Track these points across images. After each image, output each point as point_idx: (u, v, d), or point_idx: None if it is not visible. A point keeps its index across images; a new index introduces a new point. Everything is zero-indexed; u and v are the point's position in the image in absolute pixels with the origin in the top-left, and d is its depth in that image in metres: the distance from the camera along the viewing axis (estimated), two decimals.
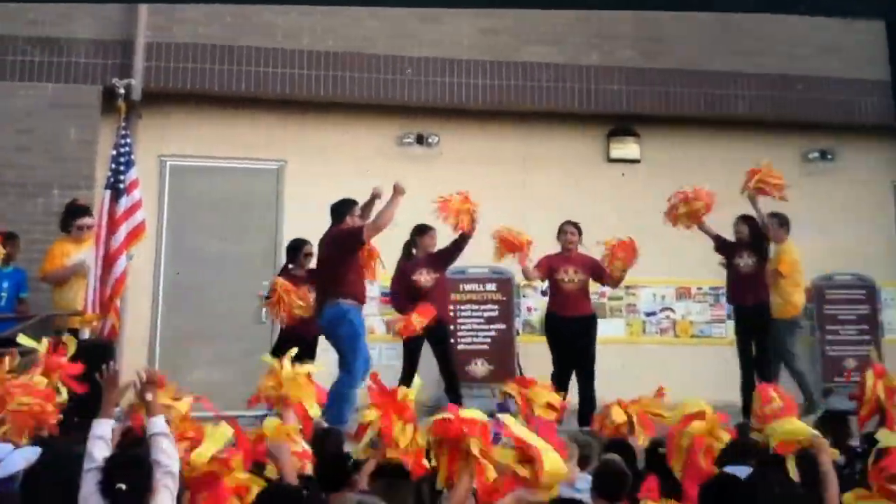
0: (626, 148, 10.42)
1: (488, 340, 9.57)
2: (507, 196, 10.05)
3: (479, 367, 9.42)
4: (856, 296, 10.34)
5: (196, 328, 9.42)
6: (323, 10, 9.73)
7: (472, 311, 9.60)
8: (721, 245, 8.61)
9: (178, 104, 9.71)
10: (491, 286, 9.68)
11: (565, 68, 10.10)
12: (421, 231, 8.36)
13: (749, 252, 8.42)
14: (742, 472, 4.03)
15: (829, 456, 4.17)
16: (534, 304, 10.09)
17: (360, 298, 7.45)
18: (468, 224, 7.93)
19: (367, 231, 7.32)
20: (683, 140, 10.51)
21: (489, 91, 9.94)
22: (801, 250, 9.90)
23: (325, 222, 9.27)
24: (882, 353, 10.12)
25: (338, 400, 6.75)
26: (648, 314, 10.14)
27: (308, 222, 9.53)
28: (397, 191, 7.35)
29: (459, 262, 9.40)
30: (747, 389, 7.75)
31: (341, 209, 7.68)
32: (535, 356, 9.66)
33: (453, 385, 8.20)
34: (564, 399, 6.86)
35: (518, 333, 9.79)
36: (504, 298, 9.70)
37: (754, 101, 10.34)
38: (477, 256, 9.42)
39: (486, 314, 9.62)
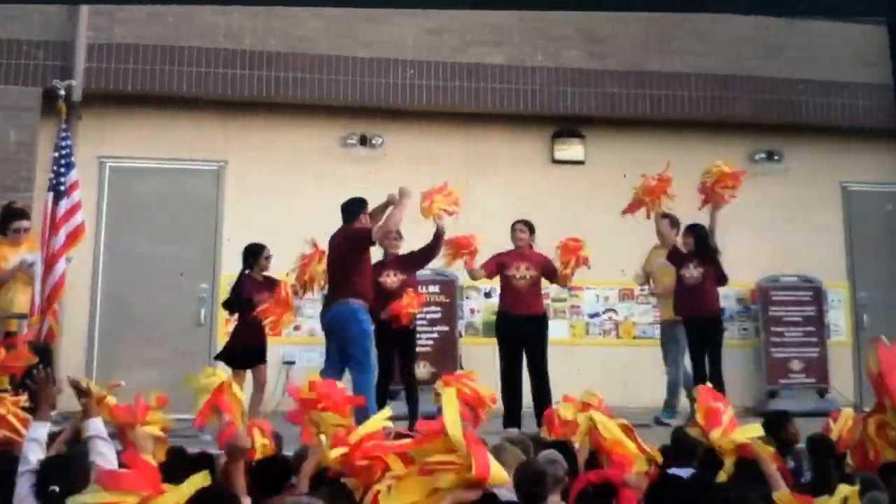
0: (571, 149, 10.87)
1: (431, 342, 9.93)
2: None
3: (422, 370, 9.75)
4: (802, 297, 10.78)
5: (134, 330, 9.76)
6: (265, 10, 10.13)
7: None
8: (671, 254, 8.92)
9: (119, 105, 10.10)
10: (434, 288, 10.06)
11: (510, 69, 10.54)
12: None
13: (695, 263, 8.67)
14: (685, 474, 4.42)
15: (769, 459, 4.33)
16: (477, 305, 10.51)
17: (368, 298, 7.75)
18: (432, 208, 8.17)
19: (376, 233, 7.70)
20: (628, 141, 10.95)
21: (433, 92, 10.37)
22: (748, 252, 10.42)
23: (266, 223, 9.75)
24: (828, 354, 10.65)
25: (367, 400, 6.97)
26: (592, 315, 10.53)
27: (248, 223, 9.97)
28: (404, 194, 7.73)
29: None
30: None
31: (353, 208, 7.98)
32: (478, 358, 10.09)
33: (412, 391, 8.33)
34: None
35: (461, 335, 10.16)
36: (447, 300, 10.09)
37: (698, 101, 10.78)
38: None
39: (428, 316, 9.96)
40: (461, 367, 9.83)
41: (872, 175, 11.40)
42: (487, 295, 10.51)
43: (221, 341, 9.81)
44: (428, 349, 9.88)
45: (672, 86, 10.78)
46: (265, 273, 8.43)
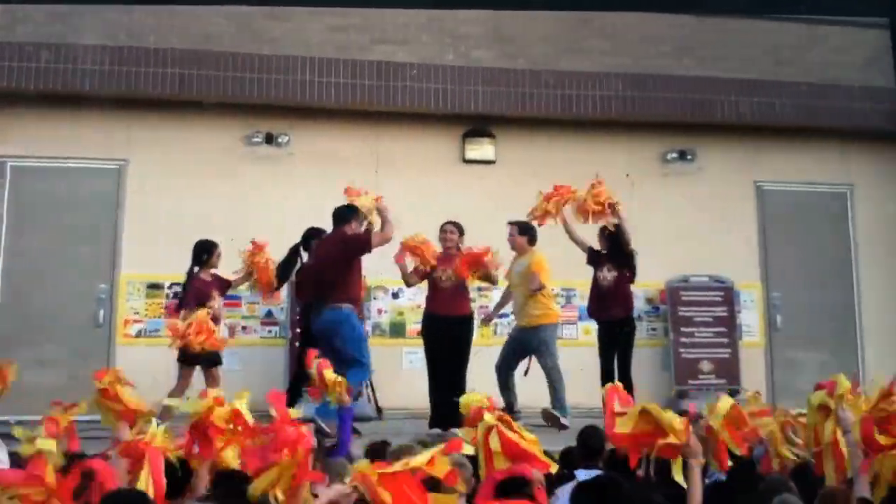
0: (482, 149, 11.35)
1: None
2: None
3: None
4: (713, 298, 11.29)
5: (33, 330, 10.11)
6: (169, 7, 10.50)
7: None
8: (589, 256, 9.41)
9: (20, 104, 10.46)
10: None
11: (420, 68, 10.99)
12: (318, 233, 9.11)
13: (609, 266, 9.17)
14: (592, 475, 4.75)
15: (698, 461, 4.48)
16: (384, 306, 10.97)
17: (358, 302, 8.37)
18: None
19: (374, 240, 8.17)
20: (539, 141, 11.46)
21: (341, 90, 10.80)
22: (658, 251, 10.93)
23: (167, 223, 10.18)
24: (739, 354, 11.16)
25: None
26: (500, 316, 10.95)
27: (149, 223, 10.38)
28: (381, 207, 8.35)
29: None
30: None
31: (346, 215, 8.41)
32: (385, 359, 10.56)
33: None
34: None
35: (367, 336, 10.53)
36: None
37: (610, 101, 11.27)
38: None
39: None
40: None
41: (787, 174, 11.97)
42: (395, 296, 10.99)
43: (121, 342, 10.26)
44: None
45: (583, 85, 11.27)
46: (214, 271, 8.90)
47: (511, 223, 9.19)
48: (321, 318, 8.10)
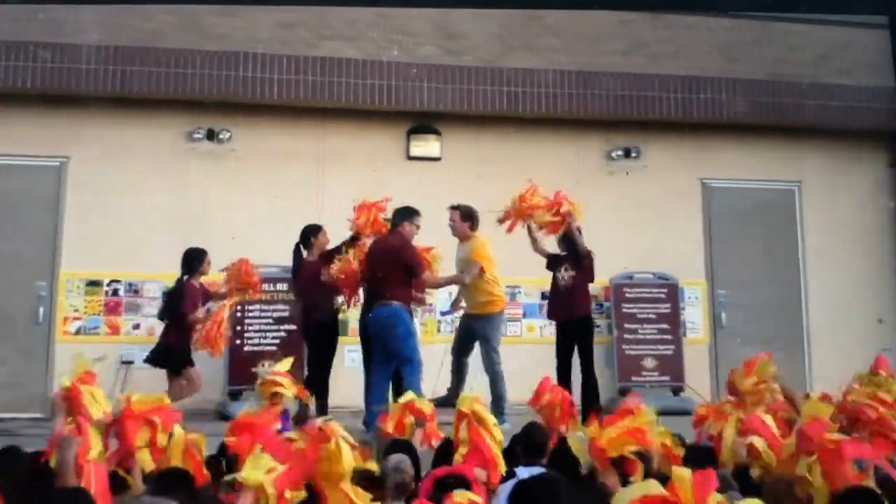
0: (427, 146, 11.56)
1: (277, 341, 10.54)
2: (303, 194, 11.22)
3: (266, 370, 10.36)
4: (657, 295, 11.54)
5: None
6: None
7: (262, 311, 10.58)
8: (548, 261, 9.67)
9: None
10: (282, 286, 10.67)
11: (365, 64, 11.18)
12: (316, 230, 9.48)
13: (567, 266, 9.41)
14: (535, 472, 4.83)
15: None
16: None
17: (409, 301, 8.85)
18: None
19: (423, 278, 8.85)
20: (486, 138, 11.70)
21: (285, 86, 10.99)
22: (603, 248, 11.18)
23: (108, 220, 10.40)
24: (683, 352, 11.42)
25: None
26: (444, 313, 11.19)
27: (89, 220, 10.59)
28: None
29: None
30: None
31: (407, 214, 9.00)
32: None
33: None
34: None
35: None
36: (294, 298, 10.68)
37: (556, 98, 11.48)
38: (270, 254, 10.54)
39: (275, 314, 10.59)
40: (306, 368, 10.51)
41: (734, 171, 12.22)
42: (338, 292, 11.16)
43: (60, 340, 10.48)
44: (273, 348, 10.50)
45: (530, 82, 11.48)
46: (202, 280, 9.26)
47: (453, 208, 9.40)
48: (374, 315, 8.68)
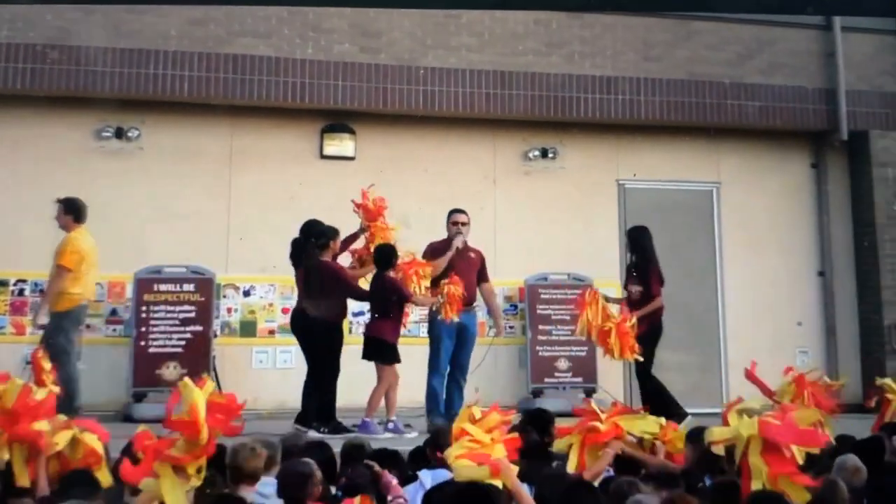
0: (341, 144, 11.94)
1: (183, 343, 10.91)
2: (213, 192, 11.62)
3: (171, 371, 10.75)
4: (571, 296, 11.91)
5: None
6: None
7: (167, 311, 10.93)
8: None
9: None
10: (189, 286, 11.03)
11: (278, 61, 11.52)
12: (335, 234, 9.50)
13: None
14: (442, 476, 5.23)
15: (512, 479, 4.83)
16: (234, 304, 11.56)
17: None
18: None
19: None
20: (402, 137, 12.12)
21: (195, 83, 11.31)
22: (518, 249, 11.66)
23: (12, 220, 10.66)
24: (596, 353, 11.86)
25: None
26: (357, 314, 11.54)
27: None
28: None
29: (155, 261, 10.88)
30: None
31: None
32: (234, 359, 11.22)
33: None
34: None
35: (216, 335, 11.16)
36: (203, 299, 11.05)
37: (473, 97, 11.90)
38: (174, 255, 10.92)
39: (181, 315, 10.95)
40: (214, 369, 10.89)
41: (652, 172, 12.72)
42: (246, 294, 11.59)
43: None
44: (179, 350, 10.87)
45: (446, 82, 11.88)
46: None
47: (58, 200, 9.63)
48: (471, 324, 9.68)
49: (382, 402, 9.22)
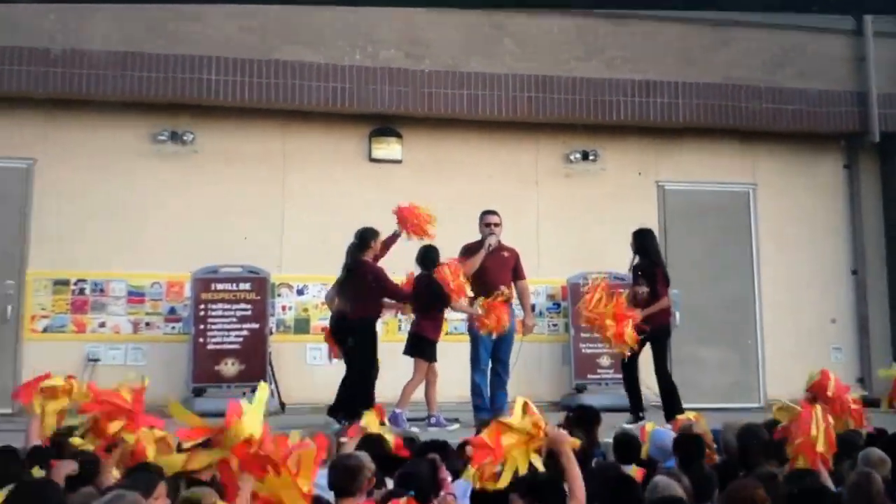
0: (389, 148, 12.53)
1: (240, 340, 11.48)
2: (266, 194, 12.19)
3: (229, 367, 11.34)
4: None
5: None
6: (87, 10, 11.50)
7: (224, 310, 11.50)
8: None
9: None
10: (245, 285, 11.60)
11: (327, 67, 12.09)
12: (376, 234, 9.95)
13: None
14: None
15: (569, 446, 5.01)
16: (288, 303, 12.13)
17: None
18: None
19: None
20: (446, 140, 12.68)
21: (248, 88, 11.86)
22: (561, 249, 12.21)
23: (75, 220, 11.31)
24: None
25: None
26: None
27: (57, 221, 11.53)
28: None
29: (211, 260, 11.48)
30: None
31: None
32: (288, 355, 11.79)
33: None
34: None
35: (271, 332, 11.73)
36: (258, 297, 11.63)
37: (515, 101, 12.45)
38: (232, 254, 11.50)
39: (238, 313, 11.53)
40: (270, 365, 11.47)
41: (690, 174, 13.29)
42: (300, 292, 12.18)
43: (28, 337, 11.39)
44: (236, 346, 11.44)
45: (490, 86, 12.43)
46: None
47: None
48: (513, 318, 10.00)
49: (416, 396, 9.81)
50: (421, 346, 9.81)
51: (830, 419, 6.20)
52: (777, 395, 11.50)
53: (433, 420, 9.71)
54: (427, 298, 9.79)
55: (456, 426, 9.54)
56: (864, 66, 13.64)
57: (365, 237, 9.80)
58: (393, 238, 10.14)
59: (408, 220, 10.05)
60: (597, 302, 9.70)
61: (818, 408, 6.27)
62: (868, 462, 5.66)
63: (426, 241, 9.99)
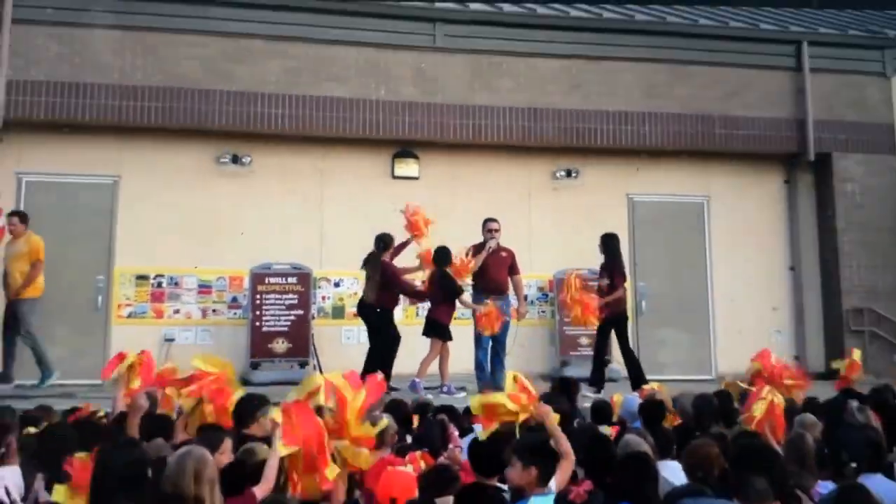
0: (408, 167, 13.57)
1: (289, 323, 12.49)
2: (308, 204, 13.29)
3: (280, 345, 12.31)
4: (591, 286, 13.45)
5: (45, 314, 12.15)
6: (154, 49, 12.50)
7: (276, 299, 12.49)
8: None
9: (35, 130, 12.50)
10: (292, 279, 12.61)
11: (356, 102, 13.08)
12: (392, 238, 11.23)
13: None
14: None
15: (552, 418, 5.23)
16: (328, 293, 13.17)
17: None
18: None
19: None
20: (455, 161, 13.75)
21: (290, 119, 12.91)
22: (548, 249, 13.15)
23: (153, 229, 12.25)
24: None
25: None
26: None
27: (137, 227, 12.50)
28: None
29: (265, 259, 12.44)
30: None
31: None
32: (327, 336, 12.82)
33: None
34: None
35: (314, 318, 12.73)
36: (303, 289, 12.63)
37: (512, 129, 13.44)
38: (281, 254, 12.46)
39: (287, 302, 12.51)
40: (313, 345, 12.44)
41: (653, 188, 14.34)
42: (337, 284, 13.18)
43: (116, 322, 12.37)
44: (286, 329, 12.44)
45: (491, 116, 13.44)
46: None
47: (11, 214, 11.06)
48: (504, 309, 10.87)
49: (432, 369, 10.93)
50: (436, 328, 10.94)
51: (777, 399, 6.60)
52: (726, 369, 12.60)
53: (444, 389, 10.81)
54: (441, 290, 10.81)
55: (463, 394, 10.52)
56: (801, 97, 14.60)
57: (385, 241, 11.11)
58: (405, 244, 11.36)
59: (408, 219, 11.22)
60: (568, 290, 10.95)
61: (766, 391, 6.73)
62: (802, 424, 6.12)
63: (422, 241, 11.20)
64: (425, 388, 10.58)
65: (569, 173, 14.10)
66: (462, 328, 11.50)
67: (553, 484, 4.71)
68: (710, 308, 14.44)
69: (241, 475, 4.58)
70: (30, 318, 10.67)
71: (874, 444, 5.44)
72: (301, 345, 12.46)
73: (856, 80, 14.96)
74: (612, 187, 14.27)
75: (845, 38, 15.21)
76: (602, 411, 7.74)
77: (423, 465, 5.38)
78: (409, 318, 13.23)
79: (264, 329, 12.44)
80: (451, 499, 4.49)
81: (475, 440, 5.20)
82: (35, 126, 12.44)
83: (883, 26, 15.68)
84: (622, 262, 11.51)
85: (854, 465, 5.30)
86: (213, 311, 12.92)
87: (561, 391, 7.55)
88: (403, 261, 11.47)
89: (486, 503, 4.24)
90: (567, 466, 4.96)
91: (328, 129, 13.10)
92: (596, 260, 13.34)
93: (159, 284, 12.80)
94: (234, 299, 12.99)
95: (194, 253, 12.82)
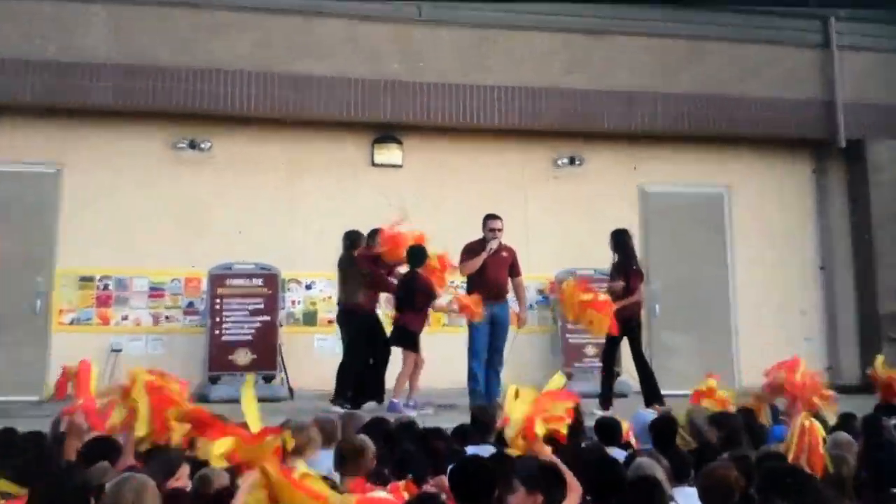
0: (390, 153, 12.35)
1: (252, 331, 11.29)
2: (276, 196, 12.04)
3: (243, 357, 11.14)
4: (598, 289, 12.26)
5: None
6: (110, 24, 11.34)
7: (238, 304, 11.31)
8: None
9: None
10: (257, 281, 11.41)
11: (333, 80, 11.89)
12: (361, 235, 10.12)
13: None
14: (484, 451, 5.47)
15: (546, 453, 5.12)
16: (297, 297, 11.97)
17: None
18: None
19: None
20: (442, 147, 12.49)
21: (259, 100, 11.70)
22: (548, 246, 11.98)
23: (101, 222, 11.09)
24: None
25: None
26: None
27: (82, 223, 11.35)
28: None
29: (226, 258, 11.29)
30: None
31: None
32: (297, 345, 11.59)
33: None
34: None
35: (281, 325, 11.54)
36: (269, 292, 11.43)
37: (507, 112, 12.26)
38: (244, 253, 11.31)
39: (251, 307, 11.33)
40: (280, 355, 11.28)
41: (666, 177, 13.08)
42: (308, 287, 12.00)
43: (56, 330, 11.25)
44: (249, 337, 11.25)
45: (483, 97, 12.25)
46: None
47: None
48: (503, 314, 9.79)
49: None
50: (405, 337, 9.68)
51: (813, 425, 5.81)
52: (751, 383, 11.35)
53: (409, 403, 9.57)
54: (411, 294, 9.64)
55: (430, 411, 9.45)
56: (830, 78, 13.39)
57: (352, 238, 10.09)
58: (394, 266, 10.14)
59: (387, 244, 9.92)
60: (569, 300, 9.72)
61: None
62: (837, 444, 5.66)
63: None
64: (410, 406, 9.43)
65: (572, 161, 12.83)
66: (452, 337, 10.55)
67: None
68: (731, 312, 13.19)
69: None
70: None
71: None
72: (267, 356, 11.19)
73: (892, 59, 13.82)
74: (619, 177, 12.99)
75: (876, 14, 14.11)
76: (609, 429, 6.72)
77: (405, 495, 4.85)
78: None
79: (224, 338, 11.17)
80: None
81: (458, 465, 4.71)
82: None
83: None
84: (637, 259, 10.30)
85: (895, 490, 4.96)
86: (167, 317, 11.66)
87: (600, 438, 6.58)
88: None
89: None
90: (574, 498, 4.69)
91: (299, 111, 11.87)
92: (602, 258, 12.25)
93: (105, 287, 11.57)
94: (191, 304, 11.73)
95: (146, 252, 11.59)
